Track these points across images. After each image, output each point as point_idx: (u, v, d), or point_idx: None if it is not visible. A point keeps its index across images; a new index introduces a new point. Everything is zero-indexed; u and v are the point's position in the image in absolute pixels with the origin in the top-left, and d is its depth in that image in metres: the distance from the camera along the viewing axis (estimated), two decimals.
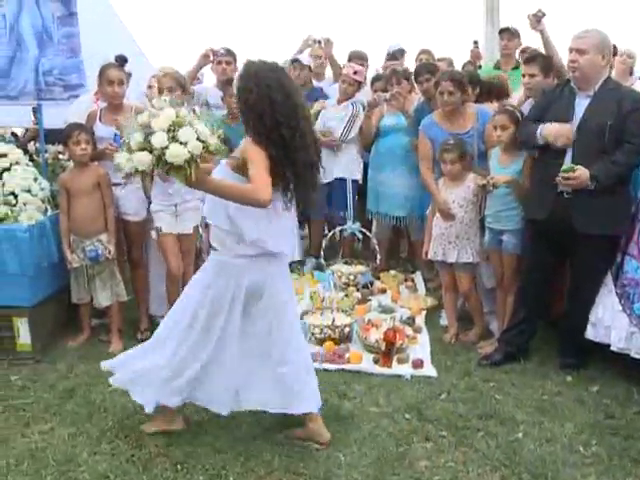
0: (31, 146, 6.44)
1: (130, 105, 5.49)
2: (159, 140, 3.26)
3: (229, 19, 15.77)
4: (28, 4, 6.04)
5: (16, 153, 5.53)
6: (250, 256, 3.70)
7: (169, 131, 3.28)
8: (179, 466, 3.76)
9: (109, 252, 5.33)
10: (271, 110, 3.47)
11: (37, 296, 5.20)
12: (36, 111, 6.17)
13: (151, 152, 3.28)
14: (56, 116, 6.07)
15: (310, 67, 7.62)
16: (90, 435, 4.09)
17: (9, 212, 5.14)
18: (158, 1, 15.35)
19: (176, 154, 3.26)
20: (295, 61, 7.46)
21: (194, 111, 3.45)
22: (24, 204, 5.22)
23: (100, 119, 5.51)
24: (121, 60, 5.48)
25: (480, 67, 8.43)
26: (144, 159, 3.28)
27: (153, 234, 5.39)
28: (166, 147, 3.25)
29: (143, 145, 3.29)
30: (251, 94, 3.49)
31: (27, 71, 6.02)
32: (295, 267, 7.35)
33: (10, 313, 5.11)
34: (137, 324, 5.68)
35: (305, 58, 7.64)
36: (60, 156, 6.23)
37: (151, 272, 5.79)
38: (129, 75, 5.61)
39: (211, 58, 6.92)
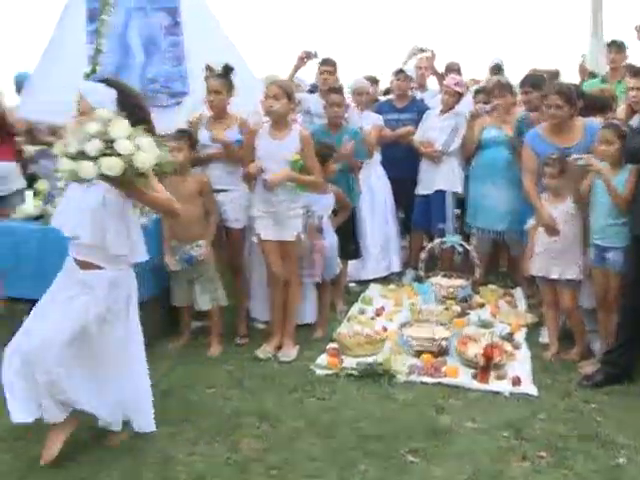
0: None
1: (236, 116, 5.55)
2: (125, 147, 3.29)
3: (329, 27, 15.84)
4: (137, 14, 6.21)
5: None
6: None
7: (129, 139, 3.33)
8: (274, 471, 3.77)
9: (203, 255, 5.39)
10: None
11: (139, 297, 5.27)
12: None
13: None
14: (159, 122, 6.20)
15: (412, 78, 7.61)
16: (187, 435, 4.15)
17: None
18: (259, 11, 15.54)
19: (143, 161, 3.32)
20: (400, 72, 7.45)
21: None
22: None
23: (206, 126, 5.59)
24: (225, 70, 5.51)
25: (586, 80, 8.24)
26: (114, 164, 3.28)
27: (254, 239, 5.44)
28: (133, 154, 3.30)
29: (104, 152, 3.30)
30: None
31: (134, 78, 6.17)
32: (394, 278, 7.33)
33: None
34: (236, 329, 5.73)
35: (410, 69, 7.62)
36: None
37: (253, 277, 5.85)
38: (231, 85, 5.56)
39: (305, 60, 7.01)
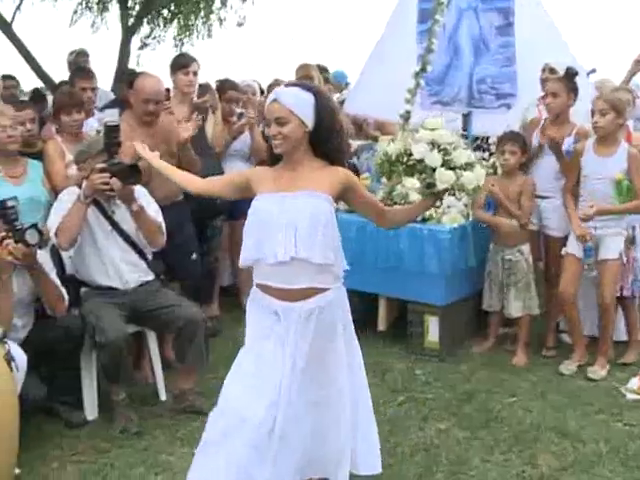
0: None
1: (574, 123, 5.33)
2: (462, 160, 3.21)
3: None
4: (468, 14, 6.22)
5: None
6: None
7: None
8: None
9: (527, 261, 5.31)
10: None
11: (450, 297, 5.35)
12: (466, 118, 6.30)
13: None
14: (484, 124, 6.19)
15: None
16: (484, 442, 4.11)
17: (433, 213, 5.36)
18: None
19: (470, 180, 3.20)
20: None
21: None
22: (448, 207, 5.41)
23: (540, 130, 5.43)
24: (569, 72, 5.30)
25: None
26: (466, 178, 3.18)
27: (563, 252, 5.21)
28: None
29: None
30: None
31: (462, 78, 6.22)
32: None
33: (423, 310, 5.33)
34: (544, 339, 5.55)
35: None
36: (483, 162, 6.33)
37: None
38: (574, 89, 5.28)
39: None
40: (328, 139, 3.08)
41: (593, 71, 7.03)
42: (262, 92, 7.55)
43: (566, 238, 5.22)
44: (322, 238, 2.98)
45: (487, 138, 6.38)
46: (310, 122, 3.01)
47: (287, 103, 2.99)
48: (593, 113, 4.93)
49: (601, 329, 5.17)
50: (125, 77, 6.64)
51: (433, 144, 3.24)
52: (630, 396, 4.71)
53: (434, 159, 3.19)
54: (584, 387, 4.87)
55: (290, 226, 2.96)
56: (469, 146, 3.41)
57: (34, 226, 3.92)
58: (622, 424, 4.34)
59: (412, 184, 3.27)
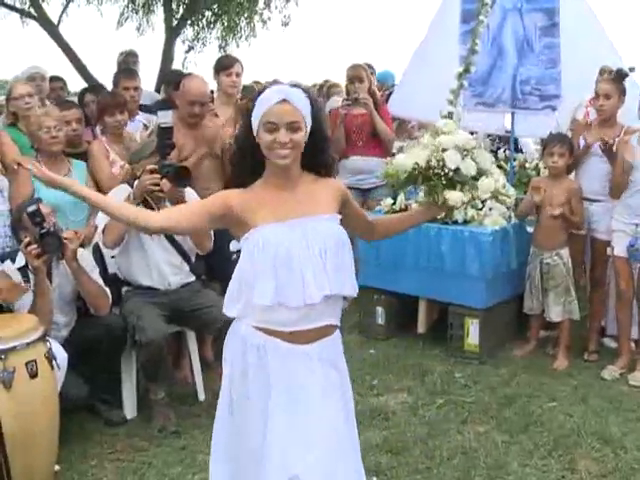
0: (501, 153, 6.58)
1: (621, 125, 5.24)
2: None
3: None
4: (512, 14, 6.15)
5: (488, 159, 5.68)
6: None
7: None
8: None
9: (565, 265, 5.25)
10: None
11: (491, 300, 5.32)
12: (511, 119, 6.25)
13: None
14: (528, 125, 6.14)
15: None
16: (523, 446, 4.07)
17: (475, 215, 5.33)
18: None
19: (486, 188, 2.89)
20: None
21: None
22: (490, 209, 5.37)
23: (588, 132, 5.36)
24: (619, 74, 5.24)
25: None
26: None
27: (608, 251, 5.15)
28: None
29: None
30: None
31: (505, 79, 6.15)
32: None
33: (463, 312, 5.30)
34: (586, 343, 5.47)
35: None
36: (526, 164, 6.28)
37: (610, 292, 5.54)
38: (623, 91, 5.20)
39: None
40: (324, 149, 2.66)
41: (632, 69, 6.93)
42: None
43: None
44: (350, 266, 2.59)
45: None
46: (308, 129, 2.55)
47: (299, 105, 2.51)
48: None
49: None
50: (169, 78, 6.68)
51: (459, 149, 2.86)
52: None
53: (469, 166, 2.83)
54: (626, 392, 4.79)
55: (317, 260, 2.49)
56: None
57: (51, 232, 3.96)
58: None
59: (458, 198, 2.85)
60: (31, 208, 3.98)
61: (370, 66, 8.08)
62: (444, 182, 2.80)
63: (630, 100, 5.18)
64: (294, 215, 2.53)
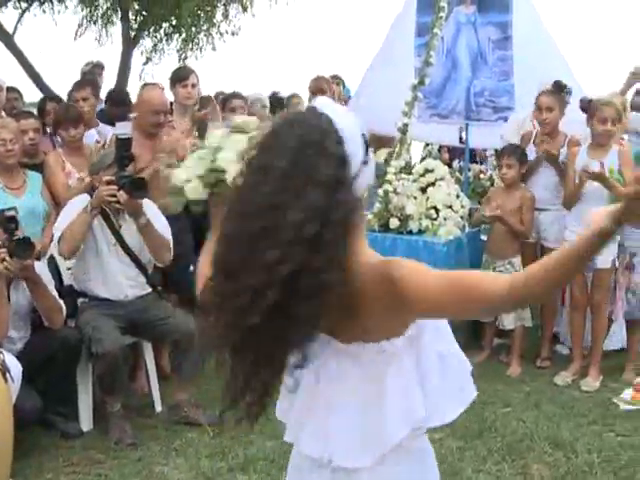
0: (455, 164, 6.68)
1: (565, 134, 5.38)
2: None
3: None
4: (466, 28, 6.28)
5: (442, 169, 5.77)
6: None
7: None
8: None
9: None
10: None
11: None
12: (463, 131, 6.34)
13: None
14: (482, 137, 6.24)
15: None
16: (477, 452, 4.12)
17: (430, 225, 5.40)
18: None
19: None
20: None
21: None
22: (444, 219, 5.45)
23: (534, 143, 5.49)
24: (557, 87, 5.36)
25: None
26: None
27: None
28: None
29: None
30: None
31: (459, 91, 6.27)
32: None
33: None
34: (539, 350, 5.56)
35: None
36: (481, 175, 6.38)
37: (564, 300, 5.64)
38: (566, 103, 5.37)
39: None
40: None
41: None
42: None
43: None
44: None
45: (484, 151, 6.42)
46: None
47: None
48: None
49: (593, 340, 5.22)
50: (113, 96, 6.55)
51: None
52: (623, 407, 4.73)
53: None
54: (578, 398, 4.89)
55: None
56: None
57: (26, 239, 3.96)
58: (615, 435, 4.36)
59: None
60: (9, 213, 3.99)
61: (337, 77, 8.15)
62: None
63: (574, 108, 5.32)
64: None
